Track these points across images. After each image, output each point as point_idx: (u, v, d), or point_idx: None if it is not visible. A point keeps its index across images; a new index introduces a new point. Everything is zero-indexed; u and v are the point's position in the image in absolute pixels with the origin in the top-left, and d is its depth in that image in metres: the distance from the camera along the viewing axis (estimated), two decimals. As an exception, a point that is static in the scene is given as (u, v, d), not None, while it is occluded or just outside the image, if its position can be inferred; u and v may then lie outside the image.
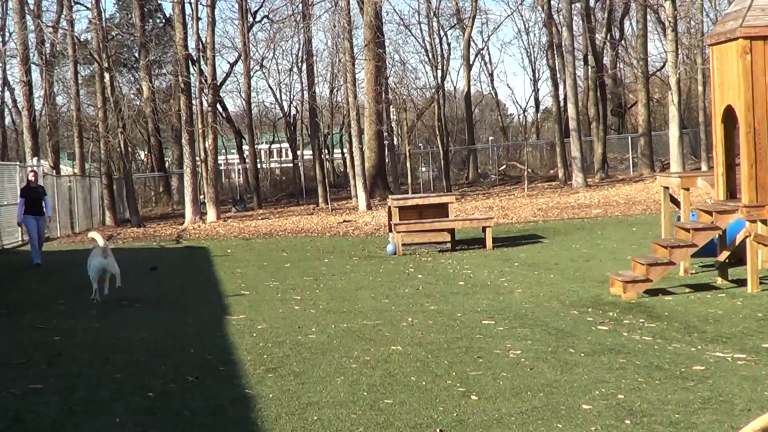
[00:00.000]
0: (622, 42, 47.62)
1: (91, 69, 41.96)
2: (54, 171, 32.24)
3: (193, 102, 33.74)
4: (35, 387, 7.65)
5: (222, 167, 45.92)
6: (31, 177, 18.41)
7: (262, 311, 11.56)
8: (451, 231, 19.32)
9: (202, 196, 34.84)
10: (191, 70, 33.66)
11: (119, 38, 44.10)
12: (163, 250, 22.13)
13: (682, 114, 36.27)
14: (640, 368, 7.80)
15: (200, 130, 33.16)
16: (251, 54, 42.02)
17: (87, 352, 9.13)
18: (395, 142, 44.34)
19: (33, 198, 17.97)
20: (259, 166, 44.31)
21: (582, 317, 10.54)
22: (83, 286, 14.81)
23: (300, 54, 43.48)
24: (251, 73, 42.09)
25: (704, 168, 34.97)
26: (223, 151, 50.47)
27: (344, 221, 27.85)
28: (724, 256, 12.56)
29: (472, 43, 48.68)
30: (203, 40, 34.34)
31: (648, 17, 40.73)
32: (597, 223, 22.72)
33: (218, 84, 38.19)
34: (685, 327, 9.75)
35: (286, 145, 54.28)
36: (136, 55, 44.87)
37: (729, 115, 12.20)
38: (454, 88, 57.97)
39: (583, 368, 7.83)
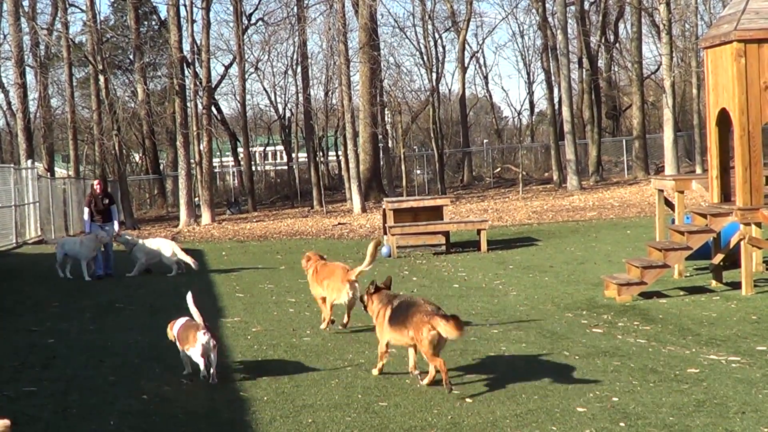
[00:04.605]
0: (617, 45, 47.69)
1: (86, 71, 41.92)
2: (48, 173, 32.18)
3: (188, 104, 33.69)
4: (29, 389, 7.64)
5: (216, 170, 45.80)
6: (96, 188, 16.81)
7: (256, 314, 11.54)
8: (446, 234, 19.31)
9: (196, 199, 34.79)
10: (186, 72, 33.61)
11: (114, 40, 44.04)
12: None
13: (676, 117, 36.32)
14: (635, 371, 7.81)
15: (195, 133, 33.13)
16: (246, 56, 42.04)
17: (81, 354, 9.12)
18: (390, 145, 44.27)
19: (99, 209, 16.67)
20: (253, 168, 44.27)
21: (576, 320, 10.55)
22: (77, 288, 14.80)
23: (295, 56, 43.54)
24: (246, 76, 42.09)
25: (699, 171, 35.05)
26: (218, 153, 50.41)
27: (339, 224, 27.84)
28: (718, 258, 12.58)
29: (466, 45, 48.70)
30: (198, 42, 34.30)
31: (643, 20, 40.77)
32: (591, 226, 22.74)
33: (213, 86, 38.15)
34: (679, 330, 9.76)
35: (280, 147, 54.23)
36: (131, 57, 44.85)
37: (723, 118, 12.22)
38: (449, 90, 58.06)
39: (578, 371, 7.84)
